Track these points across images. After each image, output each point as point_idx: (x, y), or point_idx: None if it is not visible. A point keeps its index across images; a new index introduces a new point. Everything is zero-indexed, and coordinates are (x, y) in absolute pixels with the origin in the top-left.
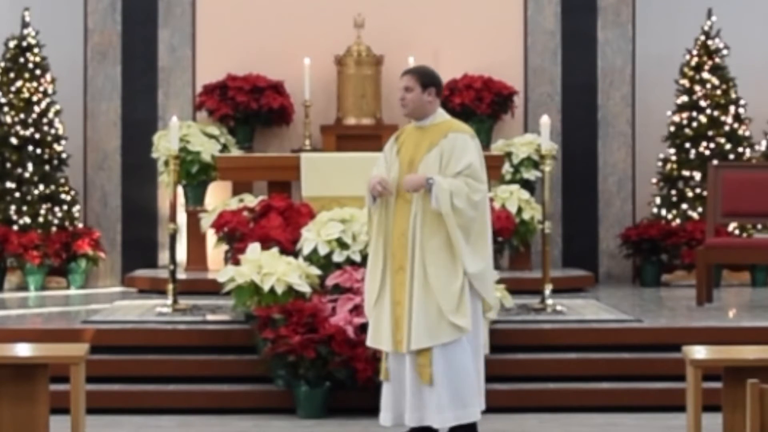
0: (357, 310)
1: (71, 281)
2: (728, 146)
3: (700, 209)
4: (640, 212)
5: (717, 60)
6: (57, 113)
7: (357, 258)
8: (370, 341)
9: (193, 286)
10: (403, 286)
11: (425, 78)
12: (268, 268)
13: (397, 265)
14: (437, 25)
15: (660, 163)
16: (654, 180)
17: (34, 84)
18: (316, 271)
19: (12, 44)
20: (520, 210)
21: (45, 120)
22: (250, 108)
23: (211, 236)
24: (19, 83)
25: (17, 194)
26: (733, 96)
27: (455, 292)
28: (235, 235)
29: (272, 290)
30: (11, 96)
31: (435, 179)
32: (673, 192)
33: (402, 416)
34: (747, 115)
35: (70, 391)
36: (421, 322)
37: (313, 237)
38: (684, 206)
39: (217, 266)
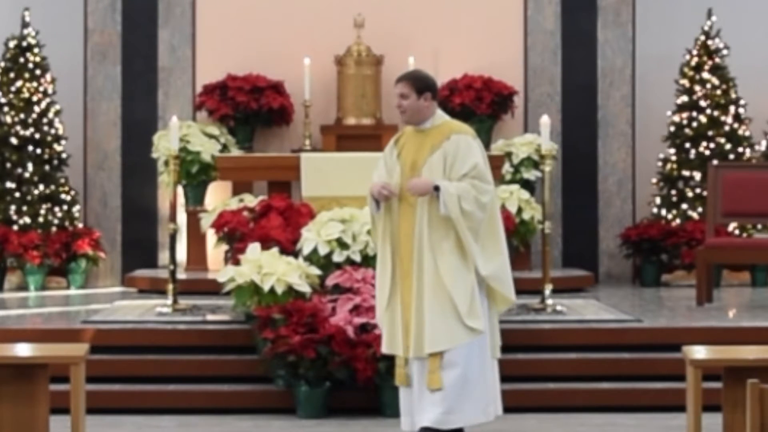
0: (357, 310)
1: (71, 281)
2: (728, 146)
3: (700, 209)
4: (640, 212)
5: (717, 60)
6: (57, 113)
7: (357, 258)
8: (386, 348)
9: (193, 286)
10: (411, 290)
11: (419, 83)
12: (268, 268)
13: (405, 270)
14: (437, 25)
15: (660, 163)
16: (654, 180)
17: (34, 84)
18: (316, 271)
19: (12, 44)
20: (520, 210)
21: (45, 120)
22: (250, 108)
23: (211, 236)
24: (19, 83)
25: (17, 194)
26: (733, 96)
27: (468, 294)
28: (235, 235)
29: (272, 290)
30: (11, 96)
31: (441, 184)
32: (673, 192)
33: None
34: (747, 115)
35: (70, 391)
36: (437, 325)
37: (313, 237)
38: (684, 206)
39: (217, 266)
